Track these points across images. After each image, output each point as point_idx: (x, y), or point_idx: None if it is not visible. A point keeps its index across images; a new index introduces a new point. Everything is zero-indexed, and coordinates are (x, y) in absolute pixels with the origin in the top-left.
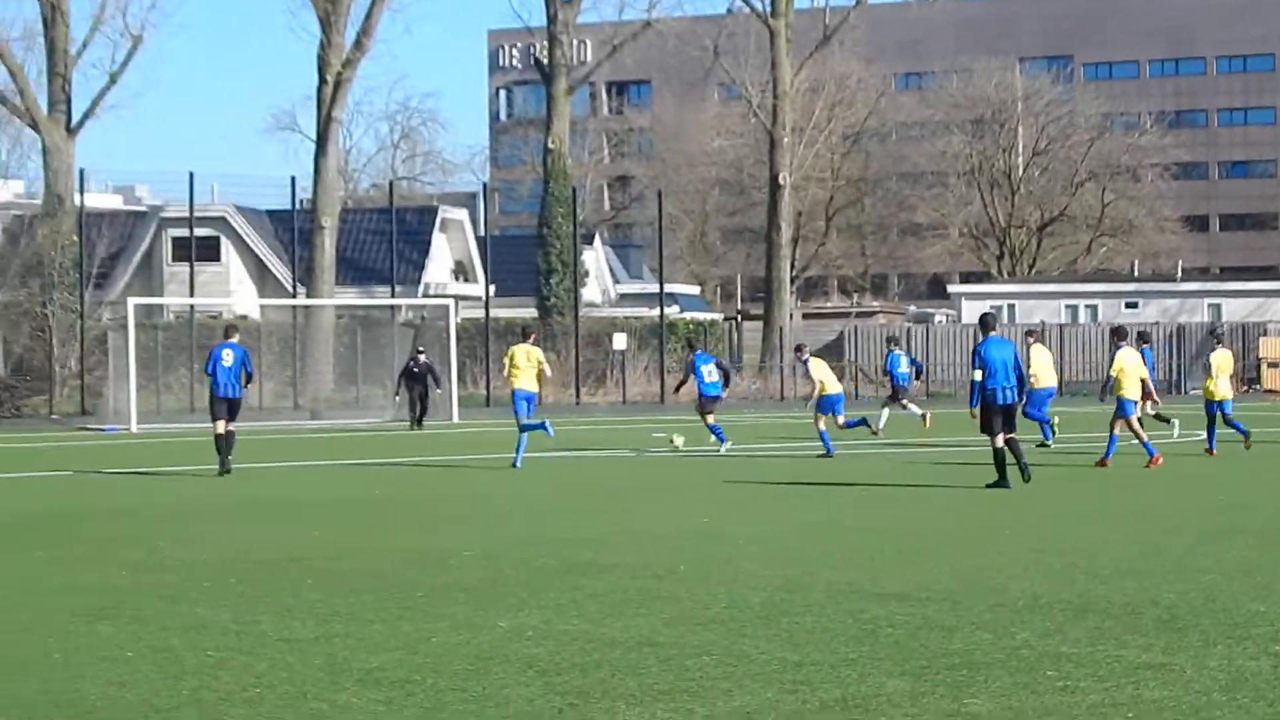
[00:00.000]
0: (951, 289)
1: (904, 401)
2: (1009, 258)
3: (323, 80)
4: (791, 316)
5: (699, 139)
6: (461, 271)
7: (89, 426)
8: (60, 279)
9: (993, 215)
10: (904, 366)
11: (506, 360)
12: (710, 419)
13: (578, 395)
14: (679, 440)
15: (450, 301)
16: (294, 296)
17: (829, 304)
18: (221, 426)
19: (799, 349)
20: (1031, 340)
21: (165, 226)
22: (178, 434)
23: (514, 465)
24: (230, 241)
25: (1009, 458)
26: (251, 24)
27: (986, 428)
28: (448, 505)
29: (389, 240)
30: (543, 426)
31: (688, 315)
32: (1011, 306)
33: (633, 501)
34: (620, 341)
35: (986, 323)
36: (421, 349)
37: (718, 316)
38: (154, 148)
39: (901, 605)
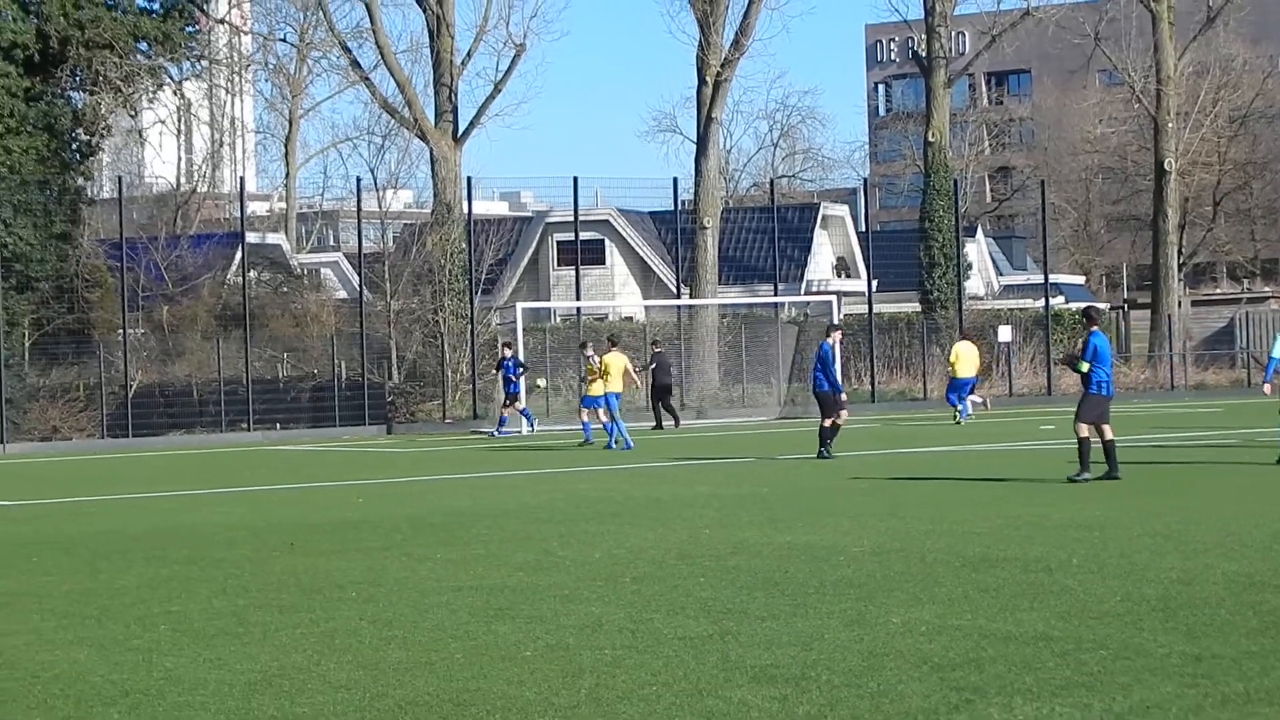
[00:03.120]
0: None
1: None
2: None
3: (702, 81)
4: (1180, 304)
5: (1080, 126)
6: (843, 267)
7: (480, 430)
8: (450, 285)
9: None
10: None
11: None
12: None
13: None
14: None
15: (833, 298)
16: (678, 297)
17: (1218, 291)
18: (828, 421)
19: (583, 345)
20: None
21: (550, 231)
22: (567, 436)
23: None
24: (614, 244)
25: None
26: (631, 28)
27: (1091, 418)
28: (834, 500)
29: (770, 238)
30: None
31: (1073, 305)
32: None
33: (1022, 493)
34: (1005, 334)
35: (1092, 315)
36: (657, 340)
37: (1104, 306)
38: (537, 153)
39: None
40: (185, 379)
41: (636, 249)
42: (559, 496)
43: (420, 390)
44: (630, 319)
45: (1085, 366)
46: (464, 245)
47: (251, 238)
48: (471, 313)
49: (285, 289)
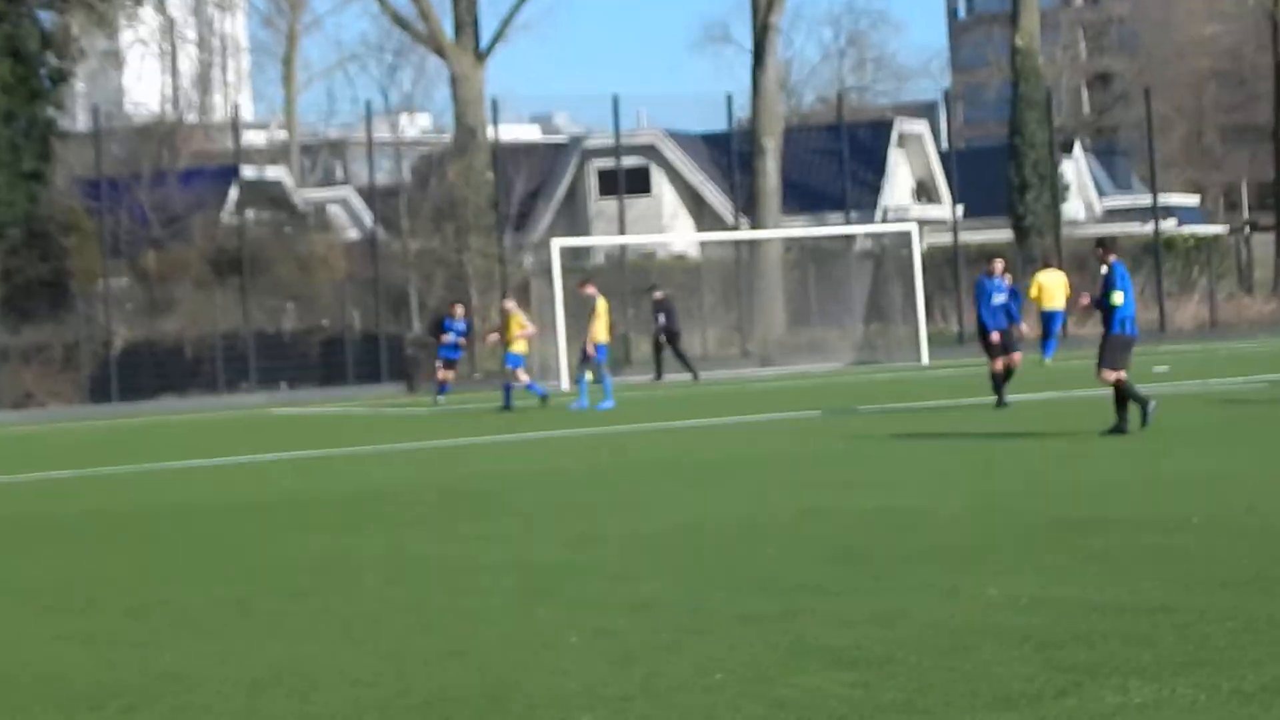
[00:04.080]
0: None
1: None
2: None
3: None
4: None
5: (1188, 26)
6: (923, 191)
7: (514, 385)
8: (476, 222)
9: None
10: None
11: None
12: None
13: (1064, 325)
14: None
15: (912, 226)
16: (735, 229)
17: None
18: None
19: (504, 296)
20: None
21: (588, 158)
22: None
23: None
24: (661, 171)
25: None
26: None
27: (1119, 362)
28: (917, 457)
29: (839, 160)
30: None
31: (1186, 229)
32: None
33: (1130, 444)
34: None
35: (1107, 244)
36: (655, 284)
37: (1222, 229)
38: (572, 70)
39: None
40: (176, 335)
41: (687, 176)
42: (605, 460)
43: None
44: (682, 256)
45: (1119, 297)
46: (490, 175)
47: (248, 172)
48: (501, 252)
49: (288, 229)
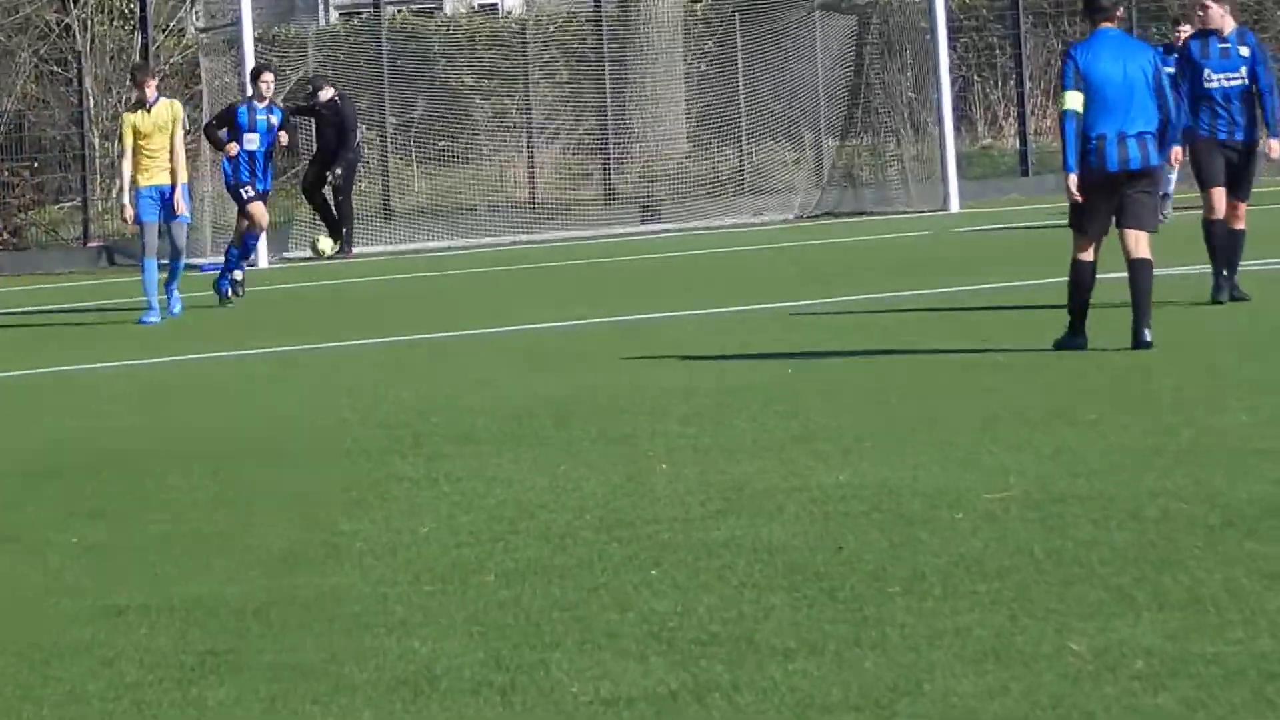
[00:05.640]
0: None
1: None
2: None
3: None
4: None
5: None
6: None
7: (198, 263)
8: None
9: None
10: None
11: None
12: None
13: None
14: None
15: None
16: None
17: None
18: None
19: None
20: None
21: None
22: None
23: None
24: None
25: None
26: None
27: (1077, 218)
28: (938, 392)
29: None
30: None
31: None
32: None
33: None
34: None
35: (1097, 5)
36: (320, 74)
37: None
38: None
39: None
40: None
41: None
42: (353, 406)
43: (34, 180)
44: (492, 11)
45: (1066, 100)
46: None
47: None
48: (141, 9)
49: None
